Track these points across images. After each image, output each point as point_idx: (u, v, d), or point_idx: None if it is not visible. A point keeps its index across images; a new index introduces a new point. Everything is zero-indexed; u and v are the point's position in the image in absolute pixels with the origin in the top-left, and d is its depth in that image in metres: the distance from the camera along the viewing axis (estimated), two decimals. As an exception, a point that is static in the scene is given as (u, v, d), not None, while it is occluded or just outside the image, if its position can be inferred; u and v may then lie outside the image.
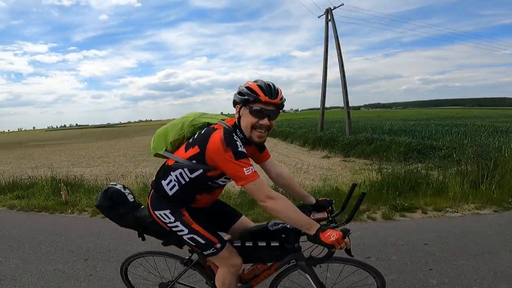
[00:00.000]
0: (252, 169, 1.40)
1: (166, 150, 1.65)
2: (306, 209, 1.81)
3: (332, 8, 17.34)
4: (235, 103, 1.54)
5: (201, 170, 1.51)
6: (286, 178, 1.86)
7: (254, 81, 1.52)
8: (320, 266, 1.73)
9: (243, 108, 1.49)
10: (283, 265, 1.71)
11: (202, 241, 1.60)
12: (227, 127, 1.49)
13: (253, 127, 1.48)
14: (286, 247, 1.65)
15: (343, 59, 16.67)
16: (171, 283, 2.00)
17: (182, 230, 1.60)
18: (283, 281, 1.81)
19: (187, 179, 1.55)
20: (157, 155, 1.69)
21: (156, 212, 1.63)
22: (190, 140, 1.56)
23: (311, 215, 1.75)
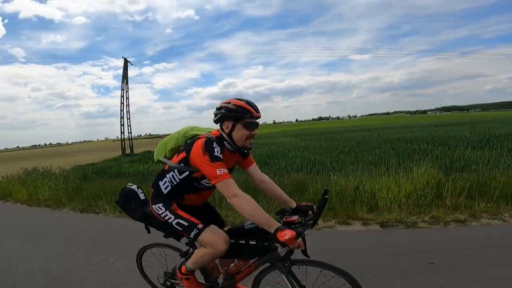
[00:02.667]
0: (224, 170, 1.63)
1: (165, 157, 1.97)
2: (286, 212, 1.87)
3: (126, 58, 25.96)
4: (222, 119, 1.76)
5: (187, 172, 1.79)
6: (268, 184, 2.00)
7: (237, 99, 1.76)
8: (299, 268, 1.75)
9: (236, 123, 1.73)
10: (261, 264, 1.82)
11: (186, 224, 1.81)
12: (210, 137, 1.75)
13: (247, 137, 1.76)
14: (259, 246, 1.74)
15: (129, 96, 24.01)
16: (173, 273, 2.23)
17: (170, 218, 1.84)
18: (266, 278, 1.88)
19: (178, 180, 1.84)
20: (158, 161, 2.02)
21: (153, 206, 1.92)
22: (181, 148, 1.86)
23: (284, 218, 1.79)
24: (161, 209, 1.87)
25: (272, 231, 1.52)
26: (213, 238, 1.78)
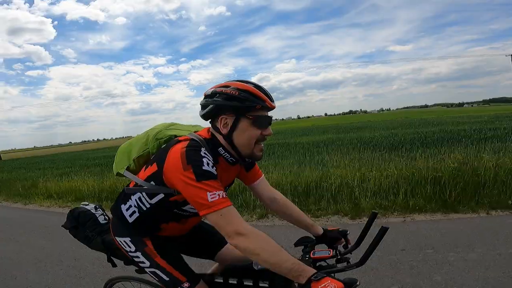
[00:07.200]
0: (220, 194, 1.06)
1: (128, 169, 1.38)
2: (309, 242, 1.43)
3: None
4: (217, 113, 1.17)
5: (162, 195, 1.20)
6: (282, 203, 1.47)
7: (239, 81, 1.17)
8: None
9: (241, 118, 1.14)
10: None
11: (166, 278, 1.31)
12: (196, 139, 1.16)
13: (257, 140, 1.18)
14: None
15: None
16: None
17: (143, 262, 1.33)
18: None
19: (148, 205, 1.26)
20: (118, 174, 1.42)
21: (117, 238, 1.39)
22: (152, 157, 1.29)
23: (311, 253, 1.34)
24: (129, 247, 1.33)
25: (303, 281, 0.98)
26: None
